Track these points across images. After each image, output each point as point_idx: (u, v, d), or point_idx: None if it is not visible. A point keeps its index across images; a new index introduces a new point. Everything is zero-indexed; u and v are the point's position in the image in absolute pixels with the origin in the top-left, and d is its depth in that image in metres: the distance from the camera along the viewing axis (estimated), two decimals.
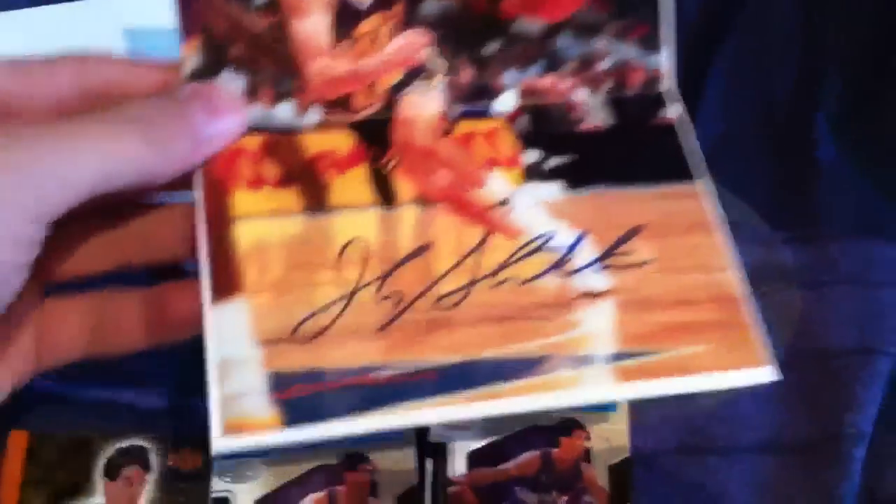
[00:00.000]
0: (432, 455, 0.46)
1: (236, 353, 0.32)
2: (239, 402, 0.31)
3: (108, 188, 0.32)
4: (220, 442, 0.31)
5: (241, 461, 0.44)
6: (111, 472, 0.43)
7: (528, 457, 0.45)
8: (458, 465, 0.45)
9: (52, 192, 0.31)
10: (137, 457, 0.43)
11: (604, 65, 0.39)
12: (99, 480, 0.43)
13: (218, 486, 0.43)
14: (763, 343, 0.34)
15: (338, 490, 0.44)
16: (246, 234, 0.35)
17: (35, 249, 0.31)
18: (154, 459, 0.43)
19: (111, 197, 0.33)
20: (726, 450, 0.47)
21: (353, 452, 0.45)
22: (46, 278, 0.36)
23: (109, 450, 0.43)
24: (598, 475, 0.45)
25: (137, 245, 0.37)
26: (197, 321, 0.33)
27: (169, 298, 0.37)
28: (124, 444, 0.44)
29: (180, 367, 0.45)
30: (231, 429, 0.31)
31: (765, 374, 0.34)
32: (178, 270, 0.38)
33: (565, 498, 0.44)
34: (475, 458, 0.45)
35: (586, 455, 0.45)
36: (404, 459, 0.45)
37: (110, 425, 0.45)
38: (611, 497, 0.45)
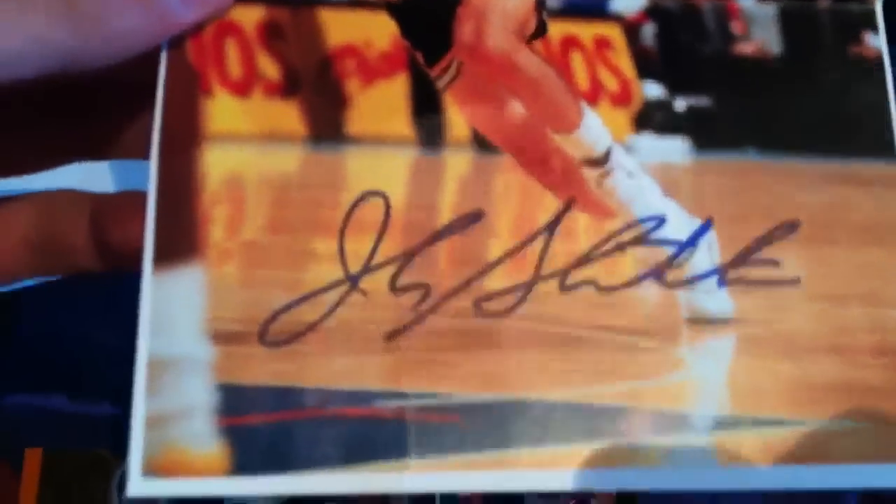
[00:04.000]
0: None
1: (177, 349, 0.22)
2: (172, 427, 0.22)
3: (8, 77, 0.22)
4: (139, 485, 0.21)
5: None
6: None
7: None
8: None
9: None
10: None
11: None
12: (115, 497, 0.44)
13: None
14: None
15: None
16: (218, 164, 0.24)
17: None
18: None
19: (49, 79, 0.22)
20: None
21: None
22: None
23: (124, 466, 0.44)
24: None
25: (92, 141, 0.27)
26: (138, 253, 0.23)
27: (110, 214, 0.26)
28: None
29: None
30: (156, 467, 0.21)
31: None
32: None
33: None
34: None
35: None
36: None
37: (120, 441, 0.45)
38: None
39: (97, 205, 0.26)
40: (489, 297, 0.23)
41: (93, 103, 0.26)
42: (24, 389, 0.50)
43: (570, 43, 0.25)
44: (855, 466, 0.23)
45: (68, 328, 0.54)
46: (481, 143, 0.24)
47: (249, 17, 0.25)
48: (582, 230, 0.24)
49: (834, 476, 0.23)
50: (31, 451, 0.46)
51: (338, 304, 0.23)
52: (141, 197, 0.23)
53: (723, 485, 0.22)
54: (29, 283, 0.28)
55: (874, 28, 0.26)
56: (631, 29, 0.26)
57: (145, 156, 0.23)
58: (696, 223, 0.24)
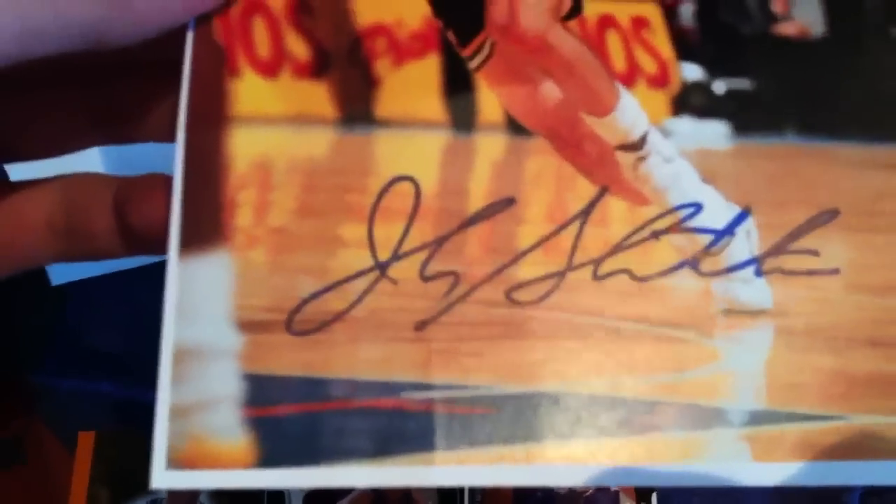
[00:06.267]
0: None
1: (203, 337, 0.22)
2: (197, 418, 0.21)
3: (31, 54, 0.21)
4: (163, 477, 0.21)
5: None
6: None
7: (359, 493, 0.47)
8: None
9: None
10: None
11: None
12: None
13: None
14: None
15: None
16: (246, 147, 0.23)
17: None
18: None
19: (78, 58, 0.22)
20: None
21: None
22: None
23: None
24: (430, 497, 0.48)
25: (116, 124, 0.26)
26: (161, 236, 0.23)
27: (134, 197, 0.25)
28: None
29: None
30: (180, 459, 0.21)
31: None
32: None
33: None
34: (311, 500, 0.47)
35: None
36: None
37: None
38: None
39: (121, 187, 0.25)
40: (520, 285, 0.23)
41: (117, 85, 0.26)
42: (77, 376, 0.52)
43: (606, 22, 0.25)
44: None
45: (118, 318, 0.56)
46: (514, 126, 0.24)
47: None
48: (616, 217, 0.23)
49: (875, 472, 0.22)
50: (84, 434, 0.49)
51: (366, 293, 0.22)
52: (166, 179, 0.23)
53: (758, 481, 0.22)
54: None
55: None
56: (669, 8, 0.25)
57: (170, 139, 0.23)
58: (735, 210, 0.23)
